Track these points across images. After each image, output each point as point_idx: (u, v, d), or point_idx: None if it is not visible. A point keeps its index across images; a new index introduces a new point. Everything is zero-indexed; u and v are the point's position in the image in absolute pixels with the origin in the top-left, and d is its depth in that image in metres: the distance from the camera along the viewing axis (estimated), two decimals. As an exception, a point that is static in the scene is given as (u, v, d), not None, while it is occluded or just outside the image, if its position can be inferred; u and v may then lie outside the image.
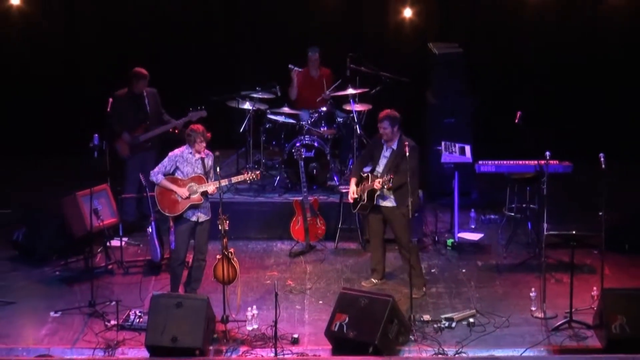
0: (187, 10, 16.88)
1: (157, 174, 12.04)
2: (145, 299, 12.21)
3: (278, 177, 14.89)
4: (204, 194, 11.98)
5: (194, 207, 12.01)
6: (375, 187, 12.36)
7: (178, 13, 16.88)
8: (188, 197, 11.96)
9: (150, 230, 13.15)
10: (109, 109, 13.85)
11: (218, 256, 12.06)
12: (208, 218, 12.15)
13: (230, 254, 12.04)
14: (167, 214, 12.14)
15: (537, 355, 11.29)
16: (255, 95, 14.93)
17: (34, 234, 13.66)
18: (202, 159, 12.03)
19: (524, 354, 11.27)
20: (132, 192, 14.14)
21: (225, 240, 11.87)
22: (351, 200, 12.69)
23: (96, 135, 12.92)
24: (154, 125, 14.19)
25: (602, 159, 11.87)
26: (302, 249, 13.94)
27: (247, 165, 14.95)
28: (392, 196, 12.43)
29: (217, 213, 11.88)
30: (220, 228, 11.77)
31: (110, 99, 13.92)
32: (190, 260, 12.40)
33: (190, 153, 12.02)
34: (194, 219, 12.07)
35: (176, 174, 12.02)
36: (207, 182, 11.97)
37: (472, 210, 14.77)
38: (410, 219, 12.43)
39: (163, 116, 14.28)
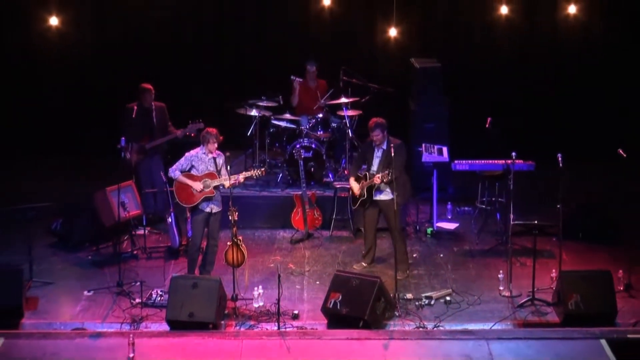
0: (202, 33, 16.89)
1: (174, 171, 12.11)
2: (165, 280, 12.28)
3: (280, 175, 14.88)
4: (217, 187, 12.04)
5: (208, 199, 12.05)
6: (375, 182, 12.33)
7: (194, 35, 16.91)
8: (202, 190, 12.01)
9: (170, 220, 13.17)
10: (134, 115, 13.87)
11: (228, 243, 12.10)
12: (220, 209, 12.20)
13: (239, 241, 12.08)
14: (184, 205, 12.19)
15: (504, 328, 11.34)
16: (261, 104, 14.92)
17: (70, 223, 13.68)
18: (214, 158, 12.09)
19: (493, 327, 11.31)
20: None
21: (234, 229, 11.92)
22: (357, 194, 12.56)
23: (123, 137, 12.90)
24: (159, 135, 14.12)
25: (560, 159, 11.91)
26: (301, 236, 13.96)
27: (254, 165, 14.93)
28: (387, 189, 12.45)
29: (228, 205, 11.94)
30: (230, 218, 11.82)
31: (135, 107, 13.94)
32: (205, 246, 12.44)
33: (204, 153, 12.07)
34: (207, 210, 12.12)
35: (192, 171, 12.08)
36: (219, 178, 12.03)
37: (449, 203, 14.77)
38: (402, 207, 12.46)
39: (169, 128, 14.21)
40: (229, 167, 12.16)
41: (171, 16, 16.72)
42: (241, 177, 12.19)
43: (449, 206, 14.75)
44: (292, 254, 13.52)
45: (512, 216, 12.16)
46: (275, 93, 15.04)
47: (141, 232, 13.64)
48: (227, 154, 12.30)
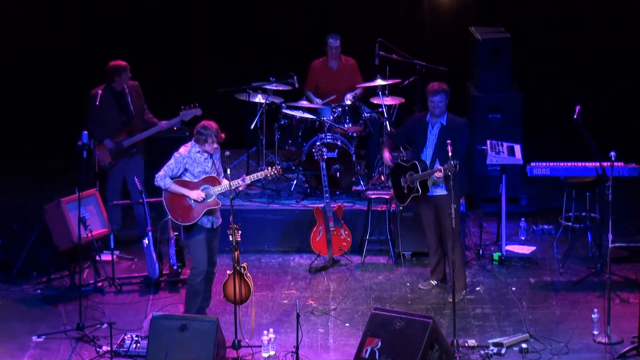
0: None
1: (164, 178, 12.01)
2: (143, 320, 12.26)
3: (295, 181, 14.94)
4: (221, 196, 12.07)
5: (210, 212, 12.07)
6: (437, 176, 12.43)
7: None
8: (204, 201, 12.01)
9: (146, 242, 13.20)
10: (97, 102, 13.93)
11: (228, 272, 12.08)
12: (220, 222, 12.23)
13: (242, 269, 12.09)
14: (180, 223, 12.16)
15: (601, 386, 11.37)
16: (268, 87, 14.99)
17: (11, 246, 13.68)
18: (210, 155, 12.08)
19: (585, 385, 11.36)
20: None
21: (236, 253, 11.91)
22: (389, 164, 12.87)
23: (85, 132, 12.91)
24: (138, 126, 14.08)
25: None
26: (324, 263, 13.98)
27: (260, 168, 14.99)
28: (443, 183, 12.61)
29: (226, 221, 11.96)
30: (231, 239, 11.81)
31: (100, 92, 13.99)
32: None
33: (199, 152, 12.03)
34: (209, 225, 12.11)
35: (184, 177, 12.05)
36: (223, 183, 12.03)
37: (522, 219, 14.78)
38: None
39: (145, 114, 14.20)
40: (228, 171, 12.17)
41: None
42: (249, 179, 12.17)
43: (522, 223, 14.75)
44: (312, 286, 13.53)
45: (610, 237, 12.13)
46: (289, 73, 15.08)
47: (108, 257, 13.66)
48: (227, 153, 12.31)
